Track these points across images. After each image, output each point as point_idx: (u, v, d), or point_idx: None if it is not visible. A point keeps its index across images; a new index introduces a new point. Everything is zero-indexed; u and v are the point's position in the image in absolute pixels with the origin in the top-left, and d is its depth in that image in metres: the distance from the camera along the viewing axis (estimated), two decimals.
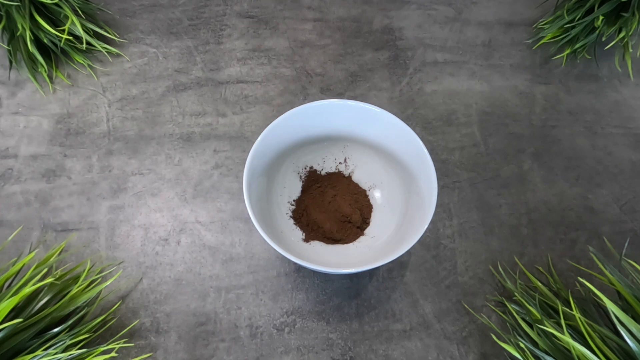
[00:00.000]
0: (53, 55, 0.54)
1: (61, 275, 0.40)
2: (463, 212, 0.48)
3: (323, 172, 0.47)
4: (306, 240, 0.44)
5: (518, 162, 0.51)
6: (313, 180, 0.47)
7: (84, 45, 0.52)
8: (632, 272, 0.37)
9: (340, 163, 0.48)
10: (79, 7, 0.52)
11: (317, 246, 0.44)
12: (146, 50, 0.56)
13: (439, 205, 0.48)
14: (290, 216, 0.45)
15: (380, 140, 0.45)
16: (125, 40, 0.57)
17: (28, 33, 0.49)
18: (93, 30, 0.54)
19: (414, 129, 0.41)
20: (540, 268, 0.46)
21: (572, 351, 0.33)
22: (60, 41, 0.52)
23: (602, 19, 0.51)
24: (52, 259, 0.41)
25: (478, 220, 0.48)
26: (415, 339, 0.43)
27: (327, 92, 0.54)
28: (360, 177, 0.47)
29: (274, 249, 0.36)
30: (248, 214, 0.37)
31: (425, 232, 0.46)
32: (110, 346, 0.39)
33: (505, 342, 0.38)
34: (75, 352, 0.36)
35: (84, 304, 0.40)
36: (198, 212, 0.48)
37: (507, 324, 0.42)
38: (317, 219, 0.44)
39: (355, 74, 0.56)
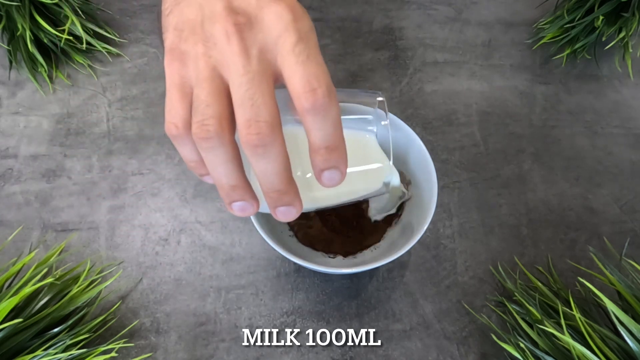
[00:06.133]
0: (53, 55, 0.54)
1: (61, 275, 0.40)
2: (463, 212, 0.48)
3: None
4: None
5: (518, 162, 0.51)
6: None
7: (84, 45, 0.52)
8: (632, 272, 0.37)
9: None
10: (79, 7, 0.52)
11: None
12: (146, 50, 0.56)
13: (439, 205, 0.48)
14: None
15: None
16: (125, 40, 0.57)
17: (28, 33, 0.49)
18: (93, 30, 0.54)
19: (414, 129, 0.41)
20: (540, 268, 0.46)
21: (572, 351, 0.33)
22: (60, 41, 0.52)
23: (602, 19, 0.51)
24: (52, 259, 0.41)
25: (478, 220, 0.48)
26: (415, 339, 0.43)
27: None
28: None
29: (274, 249, 0.36)
30: None
31: (425, 232, 0.46)
32: (110, 346, 0.39)
33: (505, 342, 0.38)
34: (75, 352, 0.36)
35: (84, 304, 0.40)
36: (198, 212, 0.48)
37: (507, 324, 0.42)
38: (316, 219, 0.44)
39: (355, 74, 0.56)
